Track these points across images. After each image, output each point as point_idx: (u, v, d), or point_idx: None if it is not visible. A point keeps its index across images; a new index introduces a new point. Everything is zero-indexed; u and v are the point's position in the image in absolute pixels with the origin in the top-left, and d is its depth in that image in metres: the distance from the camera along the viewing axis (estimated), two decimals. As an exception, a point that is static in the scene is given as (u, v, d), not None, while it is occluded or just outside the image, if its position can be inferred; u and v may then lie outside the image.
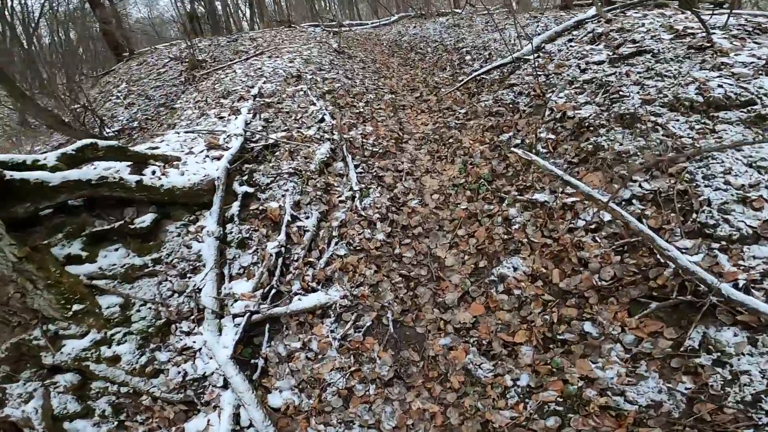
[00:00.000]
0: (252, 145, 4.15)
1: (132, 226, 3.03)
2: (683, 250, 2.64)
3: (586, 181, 3.56)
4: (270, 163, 3.96)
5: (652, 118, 3.54)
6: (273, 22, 11.15)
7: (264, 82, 5.74)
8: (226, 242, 3.36)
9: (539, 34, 6.17)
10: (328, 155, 4.20)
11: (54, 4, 23.59)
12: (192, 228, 3.35)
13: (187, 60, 8.70)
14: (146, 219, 3.08)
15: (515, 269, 3.37)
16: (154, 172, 3.20)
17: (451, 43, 8.15)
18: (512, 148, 3.70)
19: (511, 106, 4.83)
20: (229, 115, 4.78)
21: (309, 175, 3.91)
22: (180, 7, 25.54)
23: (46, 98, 10.32)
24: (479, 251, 3.60)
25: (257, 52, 7.52)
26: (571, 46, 5.20)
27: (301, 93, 5.45)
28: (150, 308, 3.04)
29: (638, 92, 3.81)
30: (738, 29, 4.25)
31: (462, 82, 5.67)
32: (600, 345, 2.62)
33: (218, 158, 3.63)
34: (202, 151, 3.70)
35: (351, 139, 4.64)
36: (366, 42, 11.05)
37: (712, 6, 6.75)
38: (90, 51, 23.97)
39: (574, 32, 5.61)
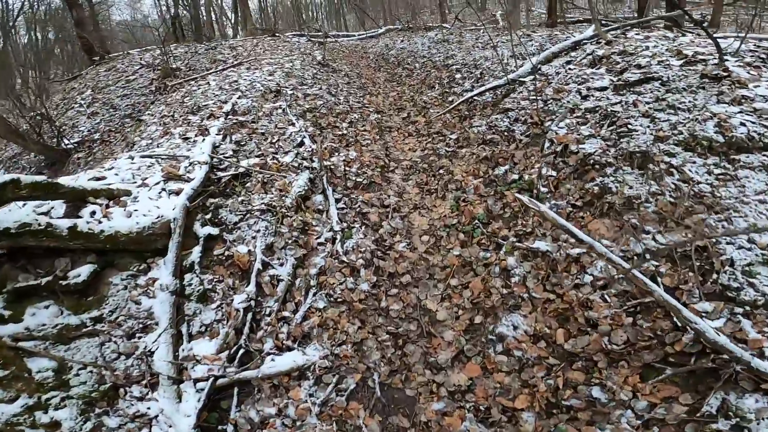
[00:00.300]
0: (219, 174, 3.67)
1: (64, 282, 2.52)
2: (703, 314, 2.39)
3: (591, 229, 3.23)
4: (239, 197, 3.49)
5: (666, 159, 3.22)
6: (256, 31, 10.65)
7: (239, 97, 5.26)
8: (184, 296, 2.88)
9: (534, 54, 5.87)
10: (306, 187, 3.75)
11: (34, 3, 22.57)
12: (141, 280, 2.86)
13: (160, 67, 8.14)
14: (82, 272, 2.58)
15: (515, 328, 3.00)
16: (93, 214, 2.70)
17: (440, 59, 7.82)
18: (516, 194, 3.32)
19: (506, 134, 4.48)
20: (195, 135, 4.28)
21: (284, 212, 3.45)
22: (164, 10, 24.89)
23: (9, 101, 9.58)
24: (475, 305, 3.22)
25: (236, 63, 7.02)
26: (570, 68, 4.89)
27: (280, 111, 4.99)
28: (92, 372, 2.55)
29: (649, 126, 3.49)
30: (751, 56, 3.99)
31: (453, 105, 5.30)
32: (609, 411, 2.36)
33: (177, 193, 3.14)
34: (158, 183, 3.21)
35: (332, 166, 4.21)
36: (352, 54, 10.68)
37: (693, 25, 6.62)
38: (66, 53, 22.88)
39: (572, 53, 5.32)
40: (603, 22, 6.50)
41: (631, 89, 4.02)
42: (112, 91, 8.10)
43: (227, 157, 3.94)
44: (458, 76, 6.62)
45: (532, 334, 2.84)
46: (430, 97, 6.28)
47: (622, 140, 3.52)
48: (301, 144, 4.37)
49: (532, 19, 16.81)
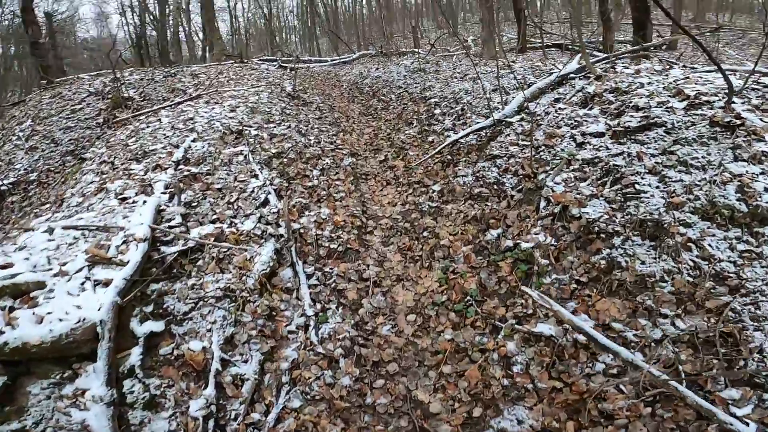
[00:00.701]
0: (164, 250, 3.07)
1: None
2: (730, 402, 2.14)
3: (600, 309, 2.84)
4: (189, 280, 2.90)
5: (682, 230, 2.86)
6: (223, 56, 10.06)
7: (194, 140, 4.67)
8: (126, 404, 2.28)
9: (518, 89, 5.58)
10: (271, 262, 3.19)
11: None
12: (68, 389, 2.24)
13: (110, 96, 7.41)
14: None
15: (519, 422, 2.61)
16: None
17: (417, 91, 7.47)
18: (522, 287, 2.90)
19: (495, 187, 4.08)
20: (136, 194, 3.66)
21: (245, 296, 2.88)
22: (130, 29, 23.82)
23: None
24: (472, 396, 2.77)
25: (194, 95, 6.40)
26: (560, 108, 4.58)
27: (241, 158, 4.43)
28: None
29: (659, 187, 3.15)
30: (758, 97, 3.76)
31: (434, 151, 4.89)
32: None
33: (105, 284, 2.53)
34: (81, 270, 2.58)
35: (302, 229, 3.68)
36: (324, 83, 10.26)
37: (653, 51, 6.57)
38: (27, 72, 21.26)
39: (560, 89, 5.03)
40: (588, 52, 6.32)
41: (632, 137, 3.70)
42: (55, 123, 7.30)
43: (174, 226, 3.33)
44: (437, 111, 6.25)
45: (539, 429, 2.47)
46: (409, 136, 5.87)
47: (629, 203, 3.16)
48: (266, 203, 3.81)
49: (504, 44, 16.96)
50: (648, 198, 3.13)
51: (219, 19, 32.42)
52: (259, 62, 10.44)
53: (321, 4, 28.50)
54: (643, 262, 2.86)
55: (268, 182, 4.10)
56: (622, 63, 5.34)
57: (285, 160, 4.73)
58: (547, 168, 3.87)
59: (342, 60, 15.30)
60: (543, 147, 4.15)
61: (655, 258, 2.87)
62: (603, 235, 3.10)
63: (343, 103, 8.18)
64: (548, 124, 4.42)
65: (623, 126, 3.79)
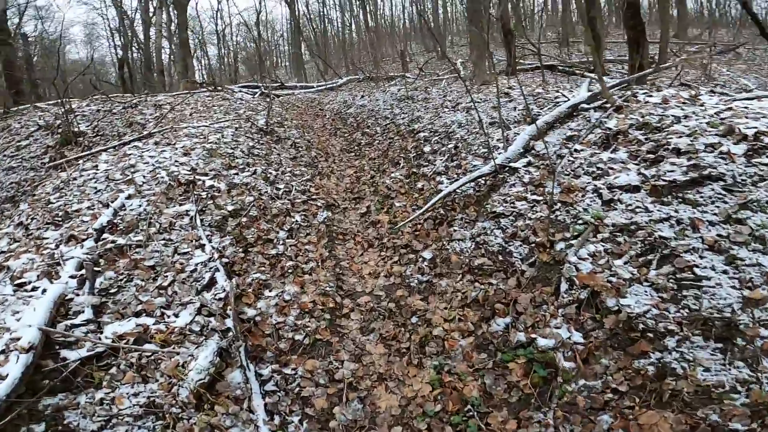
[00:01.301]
0: (66, 355, 2.17)
1: None
2: None
3: (644, 424, 2.09)
4: (98, 392, 2.01)
5: (764, 333, 2.04)
6: (194, 85, 9.23)
7: (129, 197, 3.80)
8: None
9: (519, 122, 4.80)
10: (212, 368, 2.30)
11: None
12: None
13: (59, 131, 6.54)
14: None
15: None
16: None
17: (405, 122, 6.71)
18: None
19: (500, 258, 3.25)
20: (38, 277, 2.76)
21: (177, 412, 1.99)
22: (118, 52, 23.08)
23: None
24: None
25: (146, 132, 5.51)
26: (576, 150, 3.78)
27: (186, 220, 3.56)
28: None
29: (726, 272, 2.32)
30: None
31: (424, 208, 4.02)
32: None
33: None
34: None
35: (259, 317, 2.80)
36: (306, 112, 9.52)
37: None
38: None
39: (571, 124, 4.25)
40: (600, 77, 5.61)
41: (679, 194, 2.88)
42: (-3, 162, 6.38)
43: (80, 324, 2.43)
44: (427, 148, 5.45)
45: None
46: (395, 180, 5.05)
47: (686, 294, 2.33)
48: (211, 284, 2.95)
49: (492, 66, 16.41)
50: (712, 287, 2.30)
51: (209, 42, 32.10)
52: (236, 90, 9.64)
53: (310, 28, 28.24)
54: (707, 369, 2.06)
55: (216, 254, 3.24)
56: (642, 89, 4.58)
57: (244, 220, 3.87)
58: (567, 235, 3.04)
59: (328, 86, 14.67)
60: (559, 204, 3.33)
61: (723, 365, 2.06)
62: (651, 335, 2.27)
63: (324, 136, 7.38)
64: (563, 171, 3.62)
65: (665, 179, 2.98)
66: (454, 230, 3.80)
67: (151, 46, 18.85)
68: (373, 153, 6.22)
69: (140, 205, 3.82)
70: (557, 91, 5.35)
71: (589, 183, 3.36)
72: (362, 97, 9.29)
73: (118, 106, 7.33)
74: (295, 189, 4.82)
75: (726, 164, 2.91)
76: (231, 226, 3.87)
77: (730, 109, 3.59)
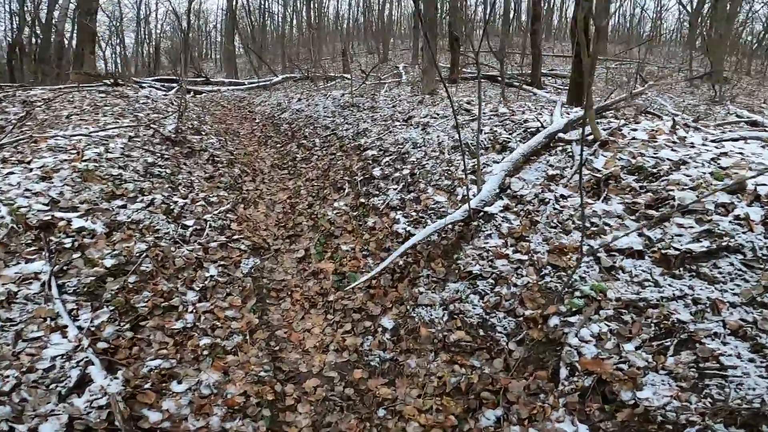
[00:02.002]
0: None
1: None
2: None
3: None
4: None
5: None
6: (86, 77, 7.34)
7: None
8: None
9: (488, 148, 4.03)
10: None
11: None
12: None
13: None
14: None
15: None
16: None
17: (349, 135, 5.73)
18: None
19: (482, 332, 2.44)
20: None
21: None
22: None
23: None
24: None
25: (10, 139, 3.93)
26: (560, 194, 3.06)
27: (35, 288, 2.32)
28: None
29: (753, 360, 1.76)
30: None
31: (380, 267, 3.08)
32: None
33: None
34: None
35: (167, 423, 1.71)
36: (231, 114, 8.14)
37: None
38: None
39: (550, 158, 3.55)
40: (564, 106, 5.03)
41: (693, 267, 2.25)
42: None
43: None
44: (377, 172, 4.52)
45: None
46: (339, 213, 4.07)
47: (709, 384, 1.69)
48: (82, 384, 1.81)
49: (439, 74, 15.84)
50: (739, 377, 1.65)
51: (128, 30, 28.38)
52: (146, 85, 7.92)
53: (248, 21, 26.03)
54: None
55: (87, 339, 2.03)
56: (630, 126, 4.01)
57: (131, 279, 2.67)
58: (562, 308, 2.28)
59: (261, 84, 13.18)
60: (549, 267, 2.56)
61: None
62: (669, 426, 1.54)
63: (251, 146, 6.13)
64: (548, 223, 2.86)
65: (675, 246, 2.33)
66: (420, 291, 2.92)
67: (54, 28, 15.84)
68: (312, 172, 5.15)
69: None
70: (523, 112, 4.67)
71: (582, 242, 2.62)
72: (299, 100, 8.12)
73: None
74: (210, 226, 3.63)
75: (744, 233, 2.32)
76: (110, 290, 2.65)
77: (725, 154, 3.08)
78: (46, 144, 3.71)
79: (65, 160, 3.50)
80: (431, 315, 2.74)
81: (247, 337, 2.78)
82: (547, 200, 3.03)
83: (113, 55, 28.06)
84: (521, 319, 2.47)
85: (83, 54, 9.02)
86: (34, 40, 18.35)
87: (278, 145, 6.25)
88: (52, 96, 5.78)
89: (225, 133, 6.49)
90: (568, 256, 2.69)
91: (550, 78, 14.11)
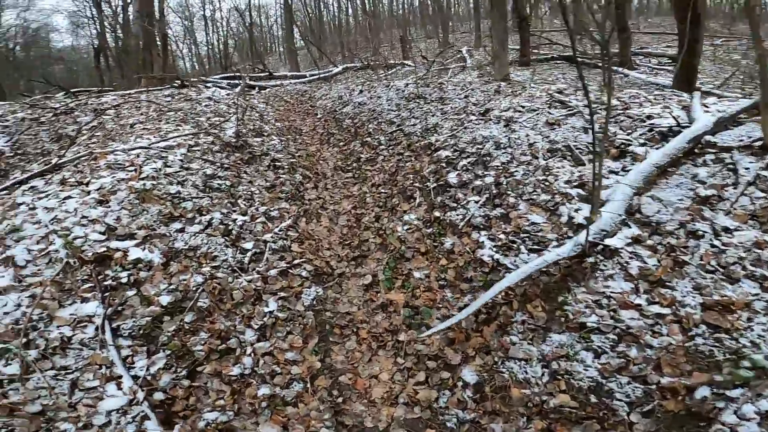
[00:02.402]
0: None
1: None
2: None
3: None
4: None
5: None
6: (154, 80, 7.40)
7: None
8: None
9: (595, 152, 3.22)
10: None
11: None
12: None
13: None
14: None
15: None
16: None
17: (417, 131, 5.12)
18: None
19: (593, 399, 1.93)
20: None
21: None
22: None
23: None
24: None
25: (57, 161, 3.75)
26: (724, 227, 2.25)
27: (90, 332, 2.08)
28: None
29: None
30: None
31: (463, 314, 2.48)
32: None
33: None
34: None
35: None
36: (294, 109, 7.84)
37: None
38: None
39: (698, 171, 2.70)
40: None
41: None
42: None
43: None
44: (452, 177, 3.90)
45: None
46: (410, 228, 3.54)
47: None
48: None
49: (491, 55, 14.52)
50: None
51: (199, 29, 29.62)
52: (209, 85, 7.84)
53: (305, 13, 25.98)
54: None
55: (142, 392, 1.74)
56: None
57: (188, 319, 2.34)
58: (717, 378, 1.63)
59: (322, 75, 12.85)
60: (701, 325, 1.81)
61: None
62: None
63: (313, 145, 5.74)
64: (702, 265, 2.07)
65: None
66: (513, 341, 2.32)
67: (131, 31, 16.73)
68: (378, 176, 4.62)
69: (17, 306, 2.30)
70: (641, 104, 3.72)
71: (755, 296, 1.82)
72: (361, 92, 7.59)
73: (50, 112, 5.61)
74: (270, 248, 3.25)
75: None
76: (166, 332, 2.35)
77: None
78: (105, 161, 3.52)
79: (123, 179, 3.27)
80: (526, 372, 2.13)
81: (308, 385, 2.37)
82: (699, 232, 2.22)
83: (189, 54, 29.57)
84: (653, 386, 1.79)
85: (151, 56, 9.19)
86: (116, 44, 19.61)
87: (341, 144, 5.80)
88: (121, 102, 5.79)
89: (287, 131, 6.16)
90: (735, 315, 1.91)
91: (640, 57, 12.20)
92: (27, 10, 22.59)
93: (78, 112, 5.44)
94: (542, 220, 3.04)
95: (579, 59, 12.25)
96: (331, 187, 4.62)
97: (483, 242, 3.13)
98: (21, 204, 3.04)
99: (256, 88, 11.22)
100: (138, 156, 3.66)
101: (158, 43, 10.17)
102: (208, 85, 8.04)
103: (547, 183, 3.23)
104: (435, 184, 4.00)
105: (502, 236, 3.11)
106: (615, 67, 10.82)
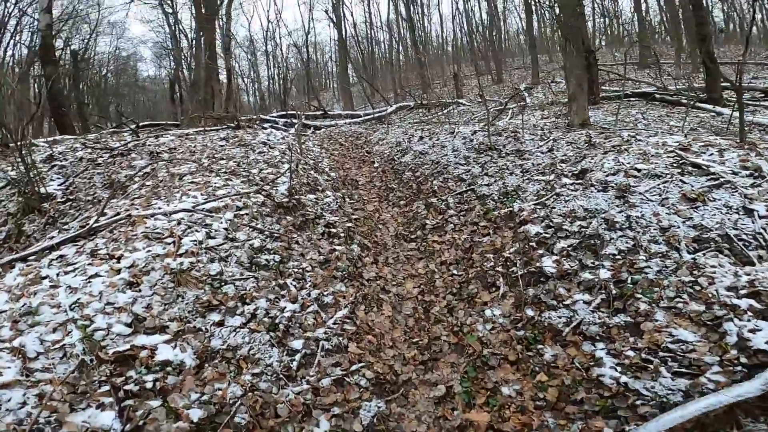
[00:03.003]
0: None
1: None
2: None
3: None
4: None
5: None
6: (211, 119, 7.34)
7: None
8: None
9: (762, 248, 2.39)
10: None
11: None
12: None
13: (24, 192, 4.76)
14: None
15: None
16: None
17: (495, 195, 4.42)
18: None
19: None
20: None
21: None
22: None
23: None
24: None
25: (88, 227, 3.38)
26: None
27: None
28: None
29: None
30: None
31: None
32: None
33: None
34: None
35: None
36: (349, 154, 7.43)
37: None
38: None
39: None
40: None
41: None
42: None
43: None
44: (550, 266, 3.19)
45: None
46: (494, 327, 2.89)
47: None
48: None
49: (556, 93, 13.70)
50: None
51: (261, 64, 31.21)
52: (265, 126, 7.65)
53: (358, 50, 26.66)
54: None
55: None
56: None
57: None
58: None
59: (376, 114, 12.63)
60: None
61: None
62: None
63: (370, 203, 5.16)
64: None
65: None
66: None
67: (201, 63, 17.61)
68: (448, 251, 3.94)
69: (21, 404, 1.87)
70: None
71: None
72: (421, 138, 7.05)
73: (106, 151, 5.49)
74: (323, 348, 2.61)
75: None
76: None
77: None
78: (144, 226, 3.10)
79: (159, 255, 2.80)
80: None
81: None
82: None
83: (253, 89, 31.09)
84: None
85: (213, 91, 9.29)
86: (188, 77, 20.72)
87: (401, 202, 5.19)
88: (178, 144, 5.59)
89: (342, 183, 5.68)
90: None
91: (729, 91, 10.84)
92: (119, 38, 24.85)
93: (135, 154, 5.28)
94: (694, 338, 2.23)
95: (659, 95, 10.89)
96: (392, 261, 3.98)
97: (601, 358, 2.35)
98: (45, 278, 2.65)
99: (311, 128, 11.11)
100: (179, 223, 3.23)
101: (221, 78, 10.42)
102: (265, 126, 7.87)
103: (697, 287, 2.40)
104: (524, 270, 3.24)
105: (630, 353, 2.31)
106: (702, 104, 9.55)
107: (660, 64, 15.22)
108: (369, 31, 28.80)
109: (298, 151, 6.05)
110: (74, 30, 21.39)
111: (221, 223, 3.44)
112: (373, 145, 8.00)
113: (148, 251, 2.90)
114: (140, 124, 12.04)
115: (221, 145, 5.62)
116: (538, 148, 5.09)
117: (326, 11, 23.66)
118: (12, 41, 19.80)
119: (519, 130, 5.80)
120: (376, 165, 6.72)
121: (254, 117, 12.16)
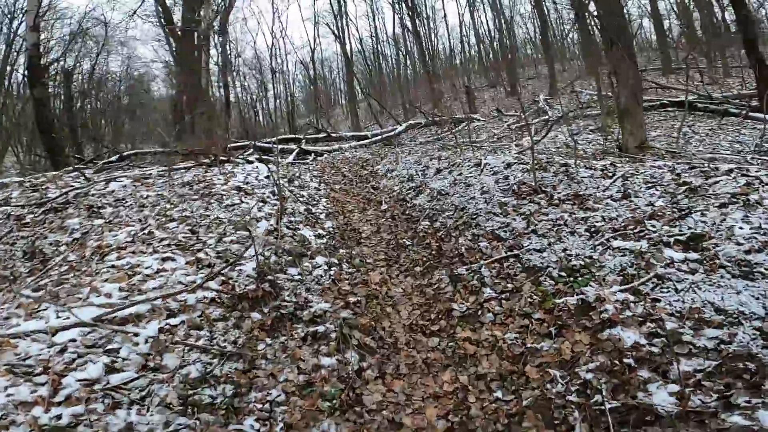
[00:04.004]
0: None
1: None
2: None
3: None
4: None
5: None
6: (186, 156, 6.17)
7: None
8: None
9: None
10: None
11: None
12: None
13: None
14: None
15: None
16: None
17: (552, 268, 3.14)
18: None
19: None
20: None
21: None
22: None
23: None
24: None
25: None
26: None
27: None
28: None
29: None
30: None
31: None
32: None
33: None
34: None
35: None
36: (352, 190, 6.28)
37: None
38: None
39: None
40: None
41: None
42: None
43: None
44: (663, 401, 1.83)
45: None
46: None
47: None
48: None
49: (581, 105, 12.48)
50: None
51: (269, 83, 30.56)
52: (252, 160, 6.42)
53: (365, 66, 25.86)
54: None
55: None
56: None
57: None
58: None
59: (384, 135, 11.51)
60: None
61: None
62: None
63: (376, 270, 3.89)
64: None
65: None
66: None
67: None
68: (486, 357, 2.67)
69: None
70: None
71: None
72: (438, 172, 5.83)
73: (77, 189, 4.34)
74: None
75: None
76: None
77: None
78: (12, 352, 1.93)
79: (23, 403, 1.62)
80: None
81: None
82: None
83: (262, 110, 30.31)
84: None
85: (191, 115, 8.25)
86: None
87: (417, 268, 3.90)
88: (130, 192, 4.43)
89: (340, 236, 4.46)
90: None
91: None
92: (129, 58, 24.48)
93: (72, 209, 4.13)
94: None
95: (701, 105, 9.36)
96: (406, 371, 2.71)
97: None
98: None
99: (312, 155, 10.00)
100: (64, 350, 2.04)
101: (214, 101, 9.44)
102: (251, 159, 6.73)
103: None
104: (615, 403, 1.96)
105: None
106: (755, 114, 8.44)
107: (700, 69, 13.84)
108: (375, 46, 28.04)
109: (286, 194, 4.87)
110: (83, 48, 20.91)
111: (140, 338, 2.25)
112: (381, 178, 6.81)
113: (9, 396, 1.72)
114: (124, 154, 11.06)
115: (181, 195, 4.43)
116: (603, 190, 3.81)
117: (328, 24, 22.94)
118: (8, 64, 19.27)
119: (570, 164, 4.51)
120: (383, 207, 5.49)
121: (248, 143, 11.12)
